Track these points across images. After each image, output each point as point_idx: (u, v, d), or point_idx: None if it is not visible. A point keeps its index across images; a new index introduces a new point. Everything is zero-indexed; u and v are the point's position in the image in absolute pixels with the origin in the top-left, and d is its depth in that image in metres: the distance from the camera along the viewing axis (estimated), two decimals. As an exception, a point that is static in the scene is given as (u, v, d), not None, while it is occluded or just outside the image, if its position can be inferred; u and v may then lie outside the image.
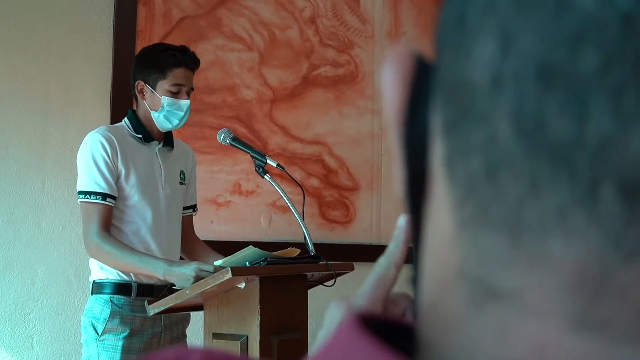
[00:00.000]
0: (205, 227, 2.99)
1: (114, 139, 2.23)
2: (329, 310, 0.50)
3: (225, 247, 2.83)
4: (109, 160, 2.20)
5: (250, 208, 3.08)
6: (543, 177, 0.19)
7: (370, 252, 3.33)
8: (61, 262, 2.82)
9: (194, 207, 2.52)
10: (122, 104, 2.88)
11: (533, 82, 0.19)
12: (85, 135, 2.26)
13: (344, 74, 3.29)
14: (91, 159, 2.20)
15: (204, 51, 3.04)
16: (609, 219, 0.19)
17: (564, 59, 0.18)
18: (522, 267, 0.20)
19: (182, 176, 2.43)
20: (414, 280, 0.42)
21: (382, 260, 0.51)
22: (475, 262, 0.21)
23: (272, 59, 3.18)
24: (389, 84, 0.24)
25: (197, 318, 2.74)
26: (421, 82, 0.24)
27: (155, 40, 2.94)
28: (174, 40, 2.73)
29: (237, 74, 3.12)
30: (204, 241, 2.98)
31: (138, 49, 2.93)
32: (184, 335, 2.37)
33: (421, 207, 0.24)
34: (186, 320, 2.38)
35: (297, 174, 3.04)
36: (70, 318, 2.80)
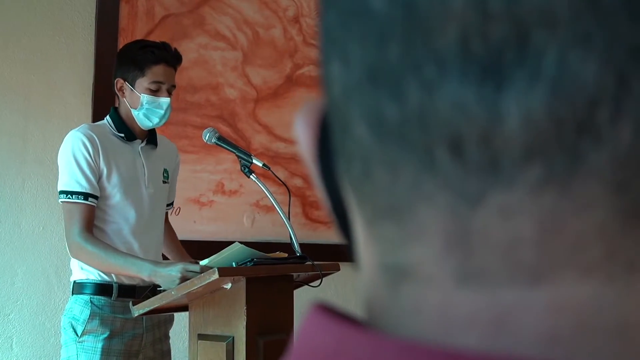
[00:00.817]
0: (188, 227, 2.97)
1: (96, 137, 2.20)
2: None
3: (208, 247, 2.82)
4: (90, 160, 2.17)
5: (233, 208, 3.07)
6: (396, 160, 0.22)
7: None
8: (41, 262, 2.78)
9: (172, 204, 2.50)
10: (104, 103, 2.85)
11: (367, 83, 0.22)
12: (66, 134, 2.23)
13: (328, 73, 3.28)
14: (72, 158, 2.17)
15: (187, 49, 3.01)
16: (448, 176, 0.21)
17: (378, 56, 0.21)
18: (410, 243, 0.22)
19: (165, 175, 2.40)
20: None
21: None
22: (382, 252, 0.24)
23: (255, 58, 3.17)
24: (301, 136, 0.28)
25: (179, 318, 2.72)
26: (323, 129, 0.27)
27: (138, 38, 2.92)
28: (157, 38, 2.70)
29: (221, 72, 3.10)
30: (187, 241, 2.97)
31: (120, 47, 2.91)
32: (167, 337, 2.35)
33: (347, 227, 0.27)
34: (169, 322, 2.36)
35: (281, 174, 3.02)
36: (51, 319, 2.76)
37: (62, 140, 2.23)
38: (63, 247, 2.78)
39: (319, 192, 0.29)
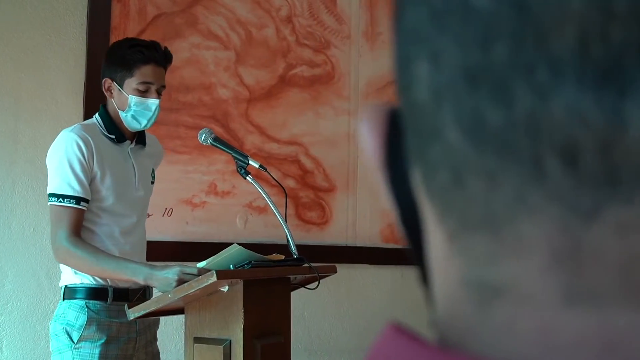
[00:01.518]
0: (181, 228, 2.95)
1: (90, 139, 2.15)
2: None
3: (201, 249, 2.80)
4: (84, 162, 2.12)
5: (226, 209, 3.04)
6: (496, 169, 0.21)
7: (346, 254, 3.33)
8: (32, 264, 2.74)
9: None
10: (96, 103, 2.81)
11: (463, 86, 0.21)
12: (57, 134, 2.18)
13: (321, 74, 3.27)
14: (66, 160, 2.11)
15: (179, 49, 2.99)
16: (559, 188, 0.20)
17: (480, 57, 0.20)
18: (507, 258, 0.21)
19: (152, 175, 2.38)
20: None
21: None
22: (470, 267, 0.22)
23: (248, 58, 3.14)
24: (366, 140, 0.27)
25: (171, 320, 2.69)
26: (393, 132, 0.26)
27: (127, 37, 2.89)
28: (149, 37, 2.67)
29: (213, 72, 3.08)
30: (179, 242, 2.94)
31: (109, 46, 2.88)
32: (155, 339, 2.32)
33: (419, 238, 0.26)
34: (156, 324, 2.33)
35: (273, 175, 3.01)
36: (41, 321, 2.72)
37: (53, 140, 2.19)
38: (54, 248, 2.75)
39: (387, 200, 0.27)
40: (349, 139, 3.29)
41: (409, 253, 0.27)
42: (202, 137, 2.30)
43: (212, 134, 2.31)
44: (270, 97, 3.17)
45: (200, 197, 3.01)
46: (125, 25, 2.93)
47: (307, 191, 3.20)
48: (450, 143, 0.22)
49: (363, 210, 3.29)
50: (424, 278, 0.27)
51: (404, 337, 0.24)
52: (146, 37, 2.72)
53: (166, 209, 2.92)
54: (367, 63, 3.35)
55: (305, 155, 3.21)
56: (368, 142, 0.27)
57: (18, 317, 2.72)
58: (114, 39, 2.88)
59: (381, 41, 3.39)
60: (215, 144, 2.29)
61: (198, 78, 3.04)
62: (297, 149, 3.20)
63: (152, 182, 2.37)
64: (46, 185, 2.20)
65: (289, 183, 3.13)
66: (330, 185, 3.24)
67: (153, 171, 2.38)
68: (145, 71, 2.19)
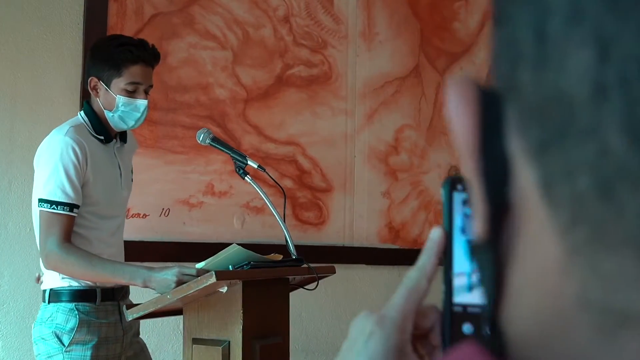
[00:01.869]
0: (178, 229, 2.94)
1: (85, 144, 2.11)
2: (356, 321, 0.49)
3: (198, 249, 2.79)
4: (79, 168, 2.08)
5: (223, 209, 3.04)
6: None
7: (343, 254, 3.33)
8: (28, 264, 2.73)
9: None
10: (93, 102, 2.81)
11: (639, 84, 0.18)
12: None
13: (318, 74, 3.26)
14: (61, 165, 2.06)
15: (176, 49, 2.98)
16: None
17: None
18: None
19: (132, 172, 2.36)
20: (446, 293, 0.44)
21: (413, 273, 0.50)
22: (597, 288, 0.20)
23: (245, 58, 3.14)
24: (456, 116, 0.23)
25: (166, 320, 2.69)
26: (489, 110, 0.23)
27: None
28: (146, 37, 2.66)
29: (211, 72, 3.07)
30: (176, 243, 2.93)
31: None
32: (138, 333, 2.31)
33: (502, 238, 0.23)
34: (137, 321, 2.31)
35: (270, 175, 3.00)
36: (38, 322, 2.71)
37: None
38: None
39: (467, 174, 0.24)
40: (346, 139, 3.29)
41: (479, 248, 0.24)
42: (201, 137, 2.29)
43: (211, 134, 2.30)
44: (267, 97, 3.16)
45: (197, 198, 3.00)
46: (122, 25, 2.92)
47: (305, 191, 3.20)
48: (608, 146, 0.19)
49: (360, 211, 3.28)
50: (490, 279, 0.24)
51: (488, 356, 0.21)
52: (143, 36, 2.71)
53: (163, 209, 2.91)
54: (364, 63, 3.35)
55: (302, 155, 3.20)
56: (456, 122, 0.24)
57: (14, 317, 2.71)
58: (110, 38, 2.88)
59: (378, 41, 3.39)
60: (214, 144, 2.28)
61: (195, 78, 3.04)
62: (294, 149, 3.19)
63: (132, 180, 2.35)
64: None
65: (286, 183, 3.12)
66: (327, 185, 3.24)
67: (132, 168, 2.36)
68: (134, 71, 2.14)
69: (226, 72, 3.09)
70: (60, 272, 2.10)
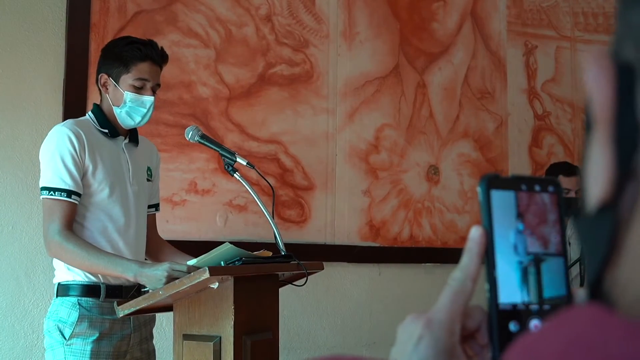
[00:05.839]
0: (161, 227, 2.92)
1: (82, 133, 2.15)
2: (404, 326, 0.49)
3: (181, 247, 2.78)
4: (76, 156, 2.12)
5: (206, 207, 3.04)
6: None
7: (325, 252, 3.34)
8: (10, 262, 2.71)
9: (157, 206, 2.46)
10: (75, 99, 2.79)
11: None
12: (36, 131, 2.16)
13: (300, 73, 3.28)
14: (57, 154, 2.11)
15: (159, 47, 2.97)
16: None
17: None
18: None
19: (149, 172, 2.37)
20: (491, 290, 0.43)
21: (457, 274, 0.49)
22: None
23: (228, 56, 3.14)
24: (595, 85, 0.24)
25: (160, 317, 2.68)
26: (625, 82, 0.24)
27: (110, 35, 2.87)
28: (129, 34, 2.65)
29: (194, 70, 3.07)
30: (160, 241, 2.92)
31: (92, 43, 2.86)
32: (152, 336, 2.32)
33: (624, 202, 0.24)
34: (152, 321, 2.32)
35: (253, 173, 3.01)
36: (20, 320, 2.69)
37: (32, 137, 2.17)
38: (33, 247, 2.71)
39: (601, 140, 0.25)
40: (328, 138, 3.31)
41: (598, 211, 0.25)
42: (189, 134, 2.30)
43: (200, 131, 2.31)
44: (249, 95, 3.17)
45: (180, 196, 3.00)
46: (105, 22, 2.91)
47: (287, 189, 3.21)
48: None
49: (341, 209, 3.31)
50: (606, 241, 0.25)
51: (612, 319, 0.22)
52: (126, 34, 2.70)
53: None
54: (345, 62, 3.38)
55: (284, 153, 3.22)
56: (595, 91, 0.24)
57: (-4, 316, 2.68)
58: (93, 35, 2.87)
59: (359, 41, 3.42)
60: (203, 141, 2.29)
61: (178, 76, 3.04)
62: (276, 147, 3.21)
63: (149, 180, 2.36)
64: (25, 182, 2.17)
65: (269, 181, 3.13)
66: (309, 183, 3.26)
67: (149, 169, 2.37)
68: (142, 68, 2.22)
69: (209, 70, 3.10)
70: (61, 259, 2.13)
